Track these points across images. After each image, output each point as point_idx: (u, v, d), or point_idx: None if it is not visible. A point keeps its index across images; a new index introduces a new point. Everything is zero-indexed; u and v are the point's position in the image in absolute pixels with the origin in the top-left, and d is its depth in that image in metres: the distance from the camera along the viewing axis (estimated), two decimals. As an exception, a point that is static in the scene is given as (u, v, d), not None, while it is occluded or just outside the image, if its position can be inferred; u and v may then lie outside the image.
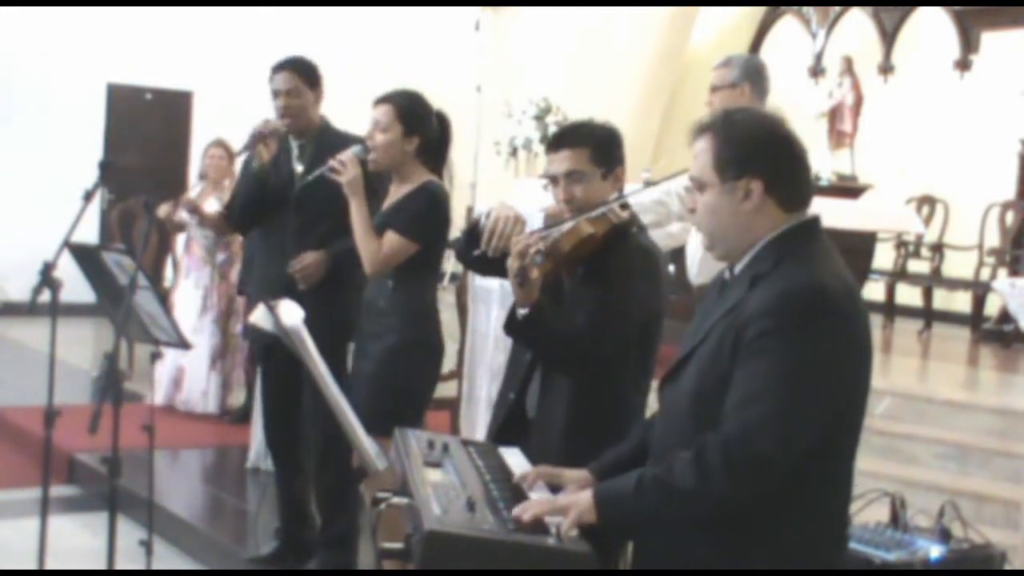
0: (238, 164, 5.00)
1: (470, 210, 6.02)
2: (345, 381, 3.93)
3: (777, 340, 2.19)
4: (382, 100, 4.06)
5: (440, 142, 4.15)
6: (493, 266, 3.16)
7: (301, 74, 4.56)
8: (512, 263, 2.92)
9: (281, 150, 4.61)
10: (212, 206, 7.47)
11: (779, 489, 2.21)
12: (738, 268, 2.37)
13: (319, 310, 4.35)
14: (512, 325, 3.04)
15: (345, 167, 4.02)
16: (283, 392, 4.69)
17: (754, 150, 2.31)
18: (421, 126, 4.05)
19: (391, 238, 3.99)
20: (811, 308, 2.21)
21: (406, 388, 4.03)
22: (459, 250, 3.38)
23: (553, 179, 3.16)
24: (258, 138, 4.50)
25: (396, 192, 4.11)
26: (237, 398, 7.59)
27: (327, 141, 4.49)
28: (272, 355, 4.59)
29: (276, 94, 4.55)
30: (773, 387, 2.18)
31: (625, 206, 3.15)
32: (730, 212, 2.32)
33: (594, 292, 3.03)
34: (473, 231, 3.25)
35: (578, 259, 3.03)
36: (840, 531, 2.38)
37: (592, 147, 3.12)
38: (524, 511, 2.28)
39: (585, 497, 2.30)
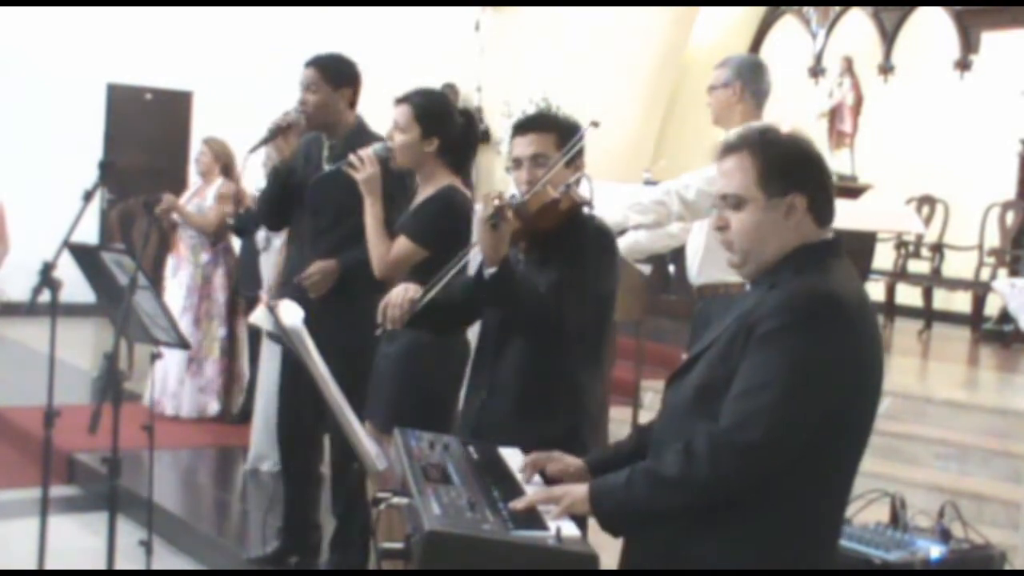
0: (243, 161, 4.97)
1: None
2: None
3: (782, 338, 2.22)
4: (401, 100, 4.03)
5: (465, 141, 4.11)
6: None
7: (322, 70, 4.52)
8: (487, 208, 2.95)
9: (313, 149, 4.60)
10: (207, 203, 7.49)
11: (763, 481, 2.23)
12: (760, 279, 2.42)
13: (337, 318, 4.32)
14: (480, 285, 3.05)
15: (363, 164, 3.99)
16: (300, 392, 4.63)
17: (798, 167, 2.37)
18: (440, 127, 3.97)
19: (400, 242, 3.96)
20: (820, 311, 2.24)
21: (423, 389, 3.95)
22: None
23: (517, 162, 3.24)
24: (276, 131, 4.50)
25: (420, 195, 4.05)
26: (215, 405, 7.48)
27: (355, 142, 4.37)
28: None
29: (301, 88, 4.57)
30: (770, 382, 2.20)
31: (580, 183, 3.22)
32: (771, 228, 2.35)
33: (548, 264, 3.10)
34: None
35: (539, 228, 3.08)
36: (831, 535, 2.39)
37: (558, 133, 3.22)
38: (519, 501, 2.34)
39: (579, 489, 2.35)
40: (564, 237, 3.11)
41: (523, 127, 3.27)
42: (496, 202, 2.94)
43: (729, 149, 2.40)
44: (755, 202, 2.35)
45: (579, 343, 3.10)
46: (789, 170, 2.35)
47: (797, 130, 2.47)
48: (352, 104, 4.60)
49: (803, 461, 2.24)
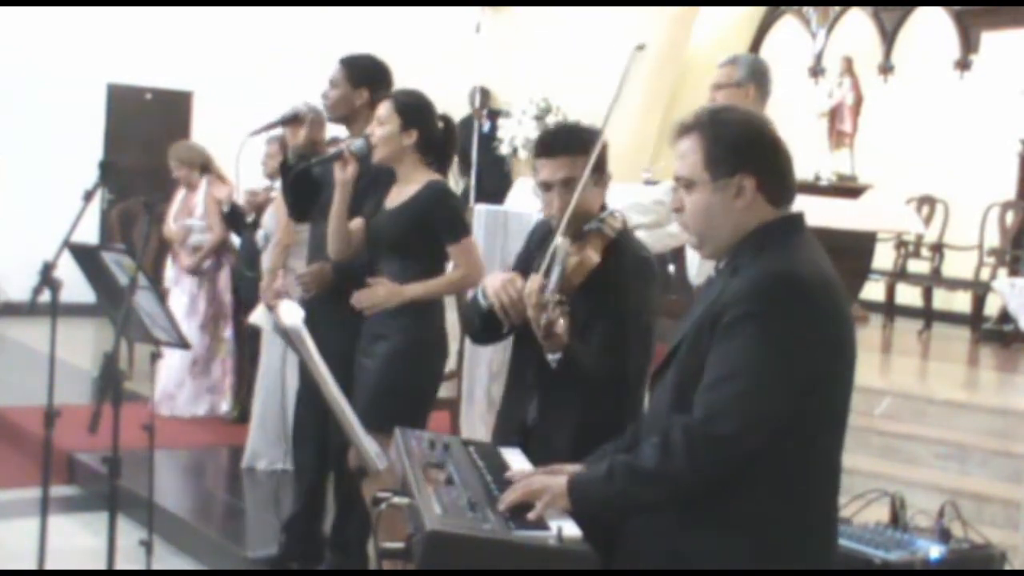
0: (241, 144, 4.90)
1: (469, 212, 6.00)
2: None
3: (747, 324, 2.23)
4: (384, 97, 4.14)
5: (445, 144, 4.18)
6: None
7: (347, 68, 4.55)
8: (536, 320, 2.90)
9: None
10: (198, 212, 7.49)
11: (745, 470, 2.23)
12: (723, 263, 2.42)
13: (335, 323, 4.32)
14: (541, 361, 3.04)
15: (346, 162, 4.06)
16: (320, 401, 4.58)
17: (746, 148, 2.36)
18: (419, 120, 4.07)
19: (460, 247, 4.04)
20: (783, 294, 2.25)
21: (411, 387, 4.04)
22: (475, 335, 3.39)
23: (546, 185, 3.15)
24: (283, 120, 4.50)
25: (399, 194, 4.09)
26: (224, 405, 7.52)
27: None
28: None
29: None
30: (739, 369, 2.21)
31: (613, 214, 3.18)
32: (721, 209, 2.35)
33: (592, 302, 3.05)
34: (485, 316, 3.21)
35: (584, 283, 3.05)
36: (824, 524, 2.38)
37: (587, 154, 3.09)
38: (501, 503, 2.34)
39: (558, 483, 2.34)
40: (603, 269, 3.06)
41: (552, 149, 3.14)
42: (545, 316, 2.86)
43: (683, 130, 2.40)
44: (703, 184, 2.35)
45: (628, 376, 3.10)
46: (736, 151, 2.34)
47: (757, 113, 2.47)
48: (372, 105, 4.51)
49: (783, 445, 2.24)
